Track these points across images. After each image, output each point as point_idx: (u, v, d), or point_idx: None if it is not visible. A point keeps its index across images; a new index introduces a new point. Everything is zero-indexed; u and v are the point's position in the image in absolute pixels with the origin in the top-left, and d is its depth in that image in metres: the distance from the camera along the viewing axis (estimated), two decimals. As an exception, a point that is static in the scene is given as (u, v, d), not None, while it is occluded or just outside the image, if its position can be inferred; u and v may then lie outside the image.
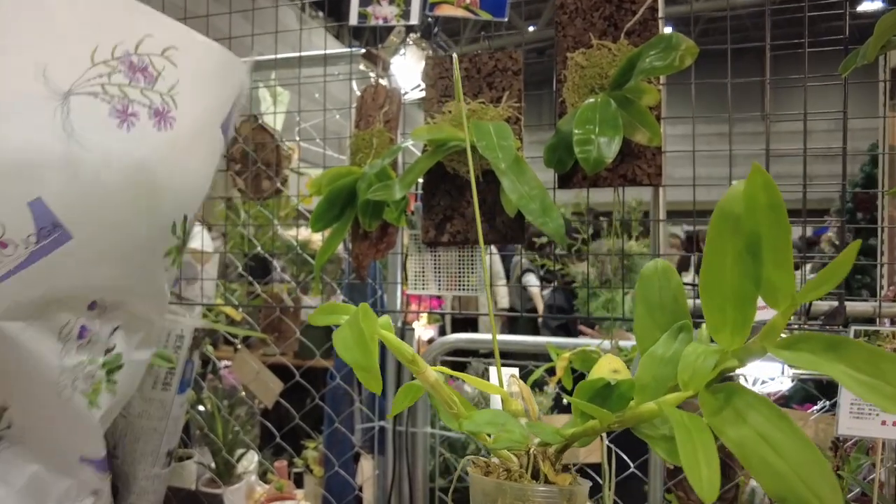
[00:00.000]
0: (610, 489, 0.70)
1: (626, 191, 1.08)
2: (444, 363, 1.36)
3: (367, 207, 1.13)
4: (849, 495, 1.07)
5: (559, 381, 0.83)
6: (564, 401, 1.75)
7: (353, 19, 1.23)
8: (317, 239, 2.76)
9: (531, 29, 9.66)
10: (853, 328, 0.91)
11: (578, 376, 0.77)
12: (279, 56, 1.45)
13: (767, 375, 1.14)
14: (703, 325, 0.55)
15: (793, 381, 1.17)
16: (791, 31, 1.05)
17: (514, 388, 0.66)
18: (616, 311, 1.87)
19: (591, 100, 1.01)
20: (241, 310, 1.94)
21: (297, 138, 1.53)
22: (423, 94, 1.17)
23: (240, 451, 1.62)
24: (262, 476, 1.78)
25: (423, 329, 3.03)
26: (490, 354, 1.70)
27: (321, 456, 1.87)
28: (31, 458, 0.91)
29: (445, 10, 1.16)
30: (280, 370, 1.61)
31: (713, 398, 0.50)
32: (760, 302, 0.51)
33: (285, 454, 1.88)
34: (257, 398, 1.65)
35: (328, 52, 1.41)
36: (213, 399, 1.61)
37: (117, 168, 0.83)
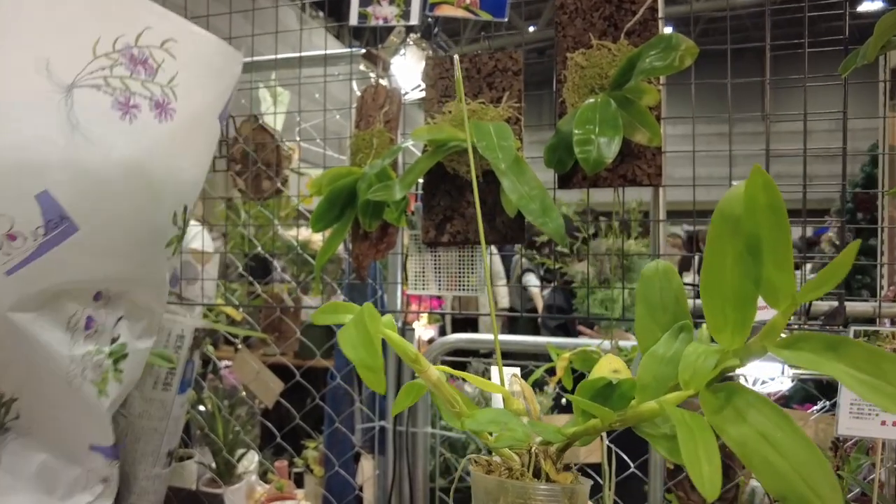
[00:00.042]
0: (610, 489, 0.70)
1: (626, 191, 1.08)
2: (444, 363, 1.36)
3: (368, 208, 1.13)
4: (849, 495, 1.07)
5: (559, 381, 0.83)
6: (563, 401, 1.75)
7: (354, 19, 1.23)
8: (317, 239, 2.76)
9: (531, 29, 9.66)
10: (853, 328, 0.91)
11: (578, 376, 0.77)
12: (279, 56, 1.45)
13: (767, 375, 1.14)
14: (704, 325, 0.56)
15: (793, 381, 1.17)
16: (791, 31, 1.05)
17: (515, 388, 0.66)
18: (615, 309, 1.87)
19: (591, 100, 1.01)
20: (241, 310, 1.94)
21: (298, 138, 1.53)
22: (423, 94, 1.17)
23: (240, 451, 1.62)
24: (263, 476, 1.78)
25: (424, 329, 3.03)
26: (489, 355, 1.70)
27: (321, 456, 1.87)
28: (39, 448, 0.93)
29: (445, 11, 1.16)
30: (280, 370, 1.62)
31: (714, 397, 0.50)
32: (760, 302, 0.51)
33: (286, 454, 1.88)
34: (258, 398, 1.65)
35: (328, 52, 1.41)
36: (214, 399, 1.61)
37: (121, 160, 0.84)
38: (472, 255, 1.18)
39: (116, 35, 0.86)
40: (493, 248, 2.66)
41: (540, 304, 4.04)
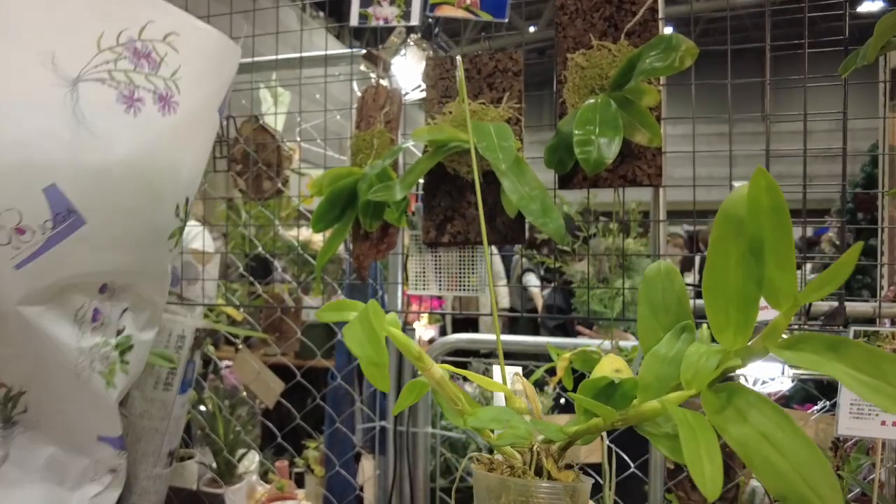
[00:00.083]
0: (610, 489, 0.71)
1: (626, 191, 1.09)
2: (444, 363, 1.36)
3: (368, 208, 1.13)
4: (849, 495, 1.07)
5: (559, 382, 0.83)
6: (562, 401, 1.74)
7: (354, 20, 1.23)
8: (318, 239, 2.77)
9: (532, 29, 9.66)
10: (853, 328, 0.91)
11: (579, 377, 0.77)
12: (280, 57, 1.45)
13: (767, 375, 1.14)
14: (704, 325, 0.56)
15: (793, 381, 1.17)
16: (791, 32, 1.05)
17: (517, 386, 0.66)
18: (613, 307, 1.87)
19: (592, 100, 1.01)
20: (242, 310, 1.94)
21: (298, 139, 1.53)
22: (423, 94, 1.18)
23: (241, 451, 1.62)
24: (264, 476, 1.78)
25: (424, 329, 3.03)
26: (490, 355, 1.70)
27: (322, 456, 1.87)
28: (47, 440, 0.94)
29: (446, 11, 1.16)
30: (281, 370, 1.62)
31: (715, 397, 0.51)
32: (761, 302, 0.51)
33: (286, 454, 1.88)
34: (258, 398, 1.65)
35: (329, 52, 1.41)
36: (215, 399, 1.61)
37: (126, 154, 0.85)
38: (473, 256, 1.18)
39: (120, 29, 0.86)
40: (494, 249, 2.66)
41: (540, 304, 4.05)
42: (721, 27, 8.92)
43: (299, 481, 1.90)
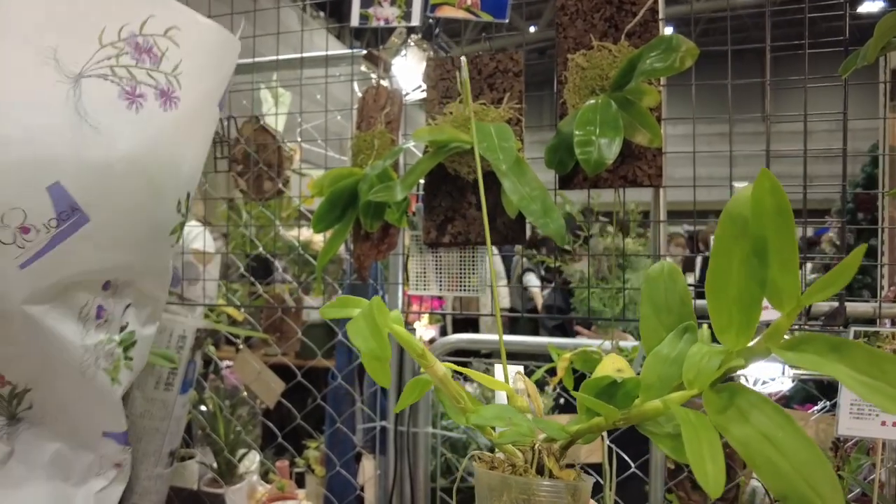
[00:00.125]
0: (611, 489, 0.71)
1: (626, 192, 1.09)
2: (445, 363, 1.36)
3: (369, 208, 1.13)
4: (849, 495, 1.07)
5: (560, 382, 0.83)
6: (562, 401, 1.74)
7: (355, 20, 1.23)
8: (318, 239, 2.76)
9: (532, 29, 9.66)
10: (853, 329, 0.91)
11: (579, 377, 0.77)
12: (281, 57, 1.45)
13: (768, 376, 1.15)
14: (705, 325, 0.56)
15: (793, 381, 1.17)
16: (791, 32, 1.05)
17: (519, 385, 0.66)
18: (613, 306, 1.87)
19: (592, 101, 1.01)
20: (242, 310, 1.94)
21: (299, 139, 1.54)
22: (424, 95, 1.18)
23: (241, 451, 1.62)
24: (264, 476, 1.78)
25: (425, 329, 3.03)
26: (490, 355, 1.70)
27: (323, 456, 1.87)
28: (52, 437, 0.94)
29: (446, 12, 1.16)
30: (281, 370, 1.62)
31: (717, 397, 0.51)
32: (763, 302, 0.51)
33: (287, 454, 1.88)
34: (259, 398, 1.65)
35: (329, 53, 1.41)
36: (215, 399, 1.61)
37: (128, 150, 0.85)
38: (473, 256, 1.18)
39: (121, 24, 0.86)
40: (494, 249, 2.66)
41: (540, 304, 4.05)
42: (721, 27, 8.92)
43: (300, 481, 1.90)
